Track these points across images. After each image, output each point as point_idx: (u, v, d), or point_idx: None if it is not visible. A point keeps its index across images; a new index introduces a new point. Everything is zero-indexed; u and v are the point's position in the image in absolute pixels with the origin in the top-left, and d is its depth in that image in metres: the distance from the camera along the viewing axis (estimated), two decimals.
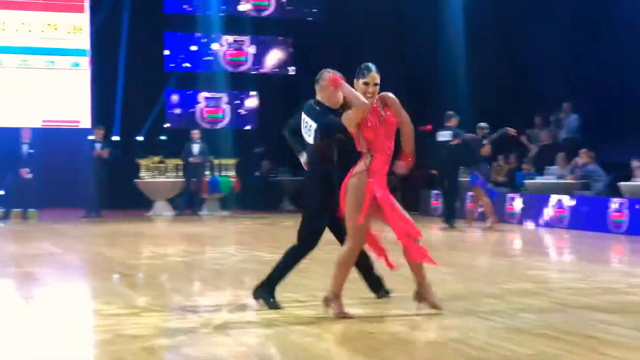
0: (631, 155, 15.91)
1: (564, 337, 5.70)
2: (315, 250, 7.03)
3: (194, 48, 24.19)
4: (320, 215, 7.02)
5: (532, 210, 16.97)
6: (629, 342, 5.56)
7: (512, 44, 21.63)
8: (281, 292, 7.77)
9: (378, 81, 6.54)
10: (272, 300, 6.96)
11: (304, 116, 7.08)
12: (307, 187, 7.27)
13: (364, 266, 7.32)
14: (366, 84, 6.48)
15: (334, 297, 6.55)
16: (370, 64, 6.59)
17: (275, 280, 7.10)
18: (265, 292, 7.02)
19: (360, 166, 6.46)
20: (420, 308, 6.59)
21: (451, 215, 16.39)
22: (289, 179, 22.88)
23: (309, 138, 7.01)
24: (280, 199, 22.88)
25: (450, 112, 16.23)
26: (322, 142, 6.79)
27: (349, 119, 6.45)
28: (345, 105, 6.59)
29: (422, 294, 6.62)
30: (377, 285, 7.37)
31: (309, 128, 6.99)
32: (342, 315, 6.44)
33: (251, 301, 7.18)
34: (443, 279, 8.49)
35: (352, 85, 6.53)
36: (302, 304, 7.17)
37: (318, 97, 6.99)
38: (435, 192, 18.28)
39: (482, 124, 15.98)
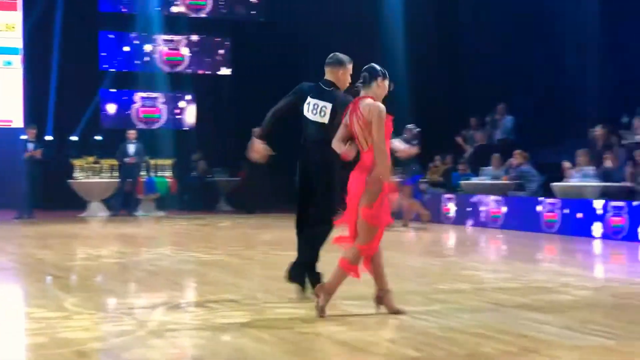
0: (563, 156, 16.19)
1: (497, 336, 5.77)
2: (256, 251, 6.99)
3: (129, 48, 23.96)
4: (338, 194, 7.10)
5: (467, 211, 17.15)
6: (561, 340, 5.65)
7: (450, 45, 21.86)
8: (216, 292, 7.75)
9: None
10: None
11: (310, 100, 7.33)
12: (323, 166, 7.20)
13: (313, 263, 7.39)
14: (389, 83, 6.69)
15: (384, 294, 6.62)
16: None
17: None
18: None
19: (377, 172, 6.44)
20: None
21: None
22: (226, 179, 22.83)
23: (322, 118, 7.25)
24: (216, 199, 22.81)
25: None
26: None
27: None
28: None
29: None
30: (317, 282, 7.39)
31: (320, 109, 7.25)
32: (396, 311, 6.53)
33: (185, 303, 7.14)
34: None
35: (372, 81, 6.59)
36: (238, 304, 7.14)
37: (329, 77, 7.35)
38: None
39: (410, 126, 16.06)
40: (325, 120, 7.24)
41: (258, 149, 7.65)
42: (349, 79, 7.39)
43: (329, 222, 7.26)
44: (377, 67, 6.67)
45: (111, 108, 23.95)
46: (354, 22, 21.76)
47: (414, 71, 20.49)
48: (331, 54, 7.51)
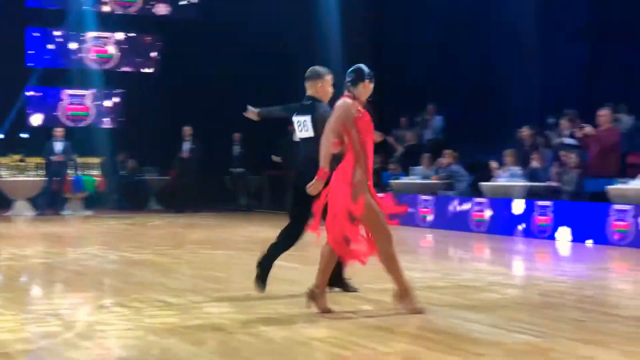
0: (492, 156, 16.42)
1: (424, 334, 5.82)
2: (184, 251, 6.94)
3: (56, 45, 23.58)
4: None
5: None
6: (487, 338, 5.72)
7: (380, 44, 21.96)
8: (144, 292, 7.68)
9: None
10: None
11: (296, 118, 7.44)
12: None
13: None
14: (372, 82, 6.75)
15: (405, 294, 6.66)
16: None
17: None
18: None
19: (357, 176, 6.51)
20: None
21: None
22: (156, 178, 22.65)
23: (307, 133, 7.35)
24: (146, 198, 22.60)
25: None
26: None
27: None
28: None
29: (315, 296, 6.65)
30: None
31: (303, 124, 7.37)
32: (418, 311, 6.58)
33: (112, 303, 7.06)
34: (308, 279, 8.56)
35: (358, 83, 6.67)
36: (166, 304, 7.09)
37: (309, 92, 7.47)
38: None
39: None
40: (311, 133, 7.33)
41: (253, 114, 7.97)
42: (330, 90, 7.50)
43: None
44: (365, 69, 6.73)
45: (38, 106, 23.55)
46: (289, 22, 21.74)
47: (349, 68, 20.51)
48: (309, 69, 7.61)
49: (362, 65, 6.78)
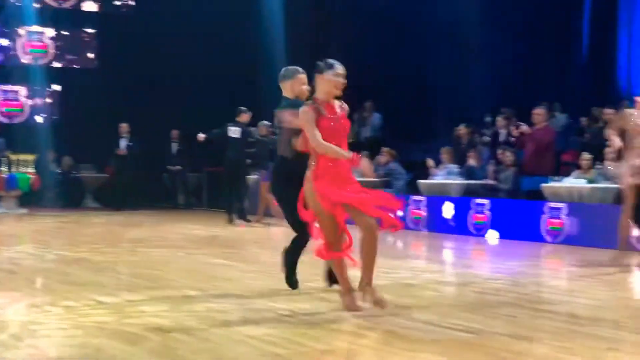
0: (430, 154, 16.57)
1: (361, 332, 5.85)
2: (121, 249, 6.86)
3: None
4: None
5: None
6: (421, 335, 5.76)
7: (319, 40, 21.94)
8: (79, 291, 7.59)
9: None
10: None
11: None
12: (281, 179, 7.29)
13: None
14: (338, 75, 6.47)
15: (345, 292, 6.64)
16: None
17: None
18: None
19: (308, 171, 6.46)
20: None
21: (243, 213, 16.67)
22: (92, 175, 22.42)
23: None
24: (82, 196, 22.36)
25: (242, 108, 16.24)
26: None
27: (315, 141, 6.39)
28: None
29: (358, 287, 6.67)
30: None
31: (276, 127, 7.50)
32: (355, 309, 6.49)
33: (46, 303, 6.97)
34: (243, 276, 8.55)
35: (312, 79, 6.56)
36: (101, 304, 7.01)
37: (283, 94, 7.44)
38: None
39: (266, 122, 16.21)
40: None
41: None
42: (304, 88, 7.37)
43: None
44: (321, 62, 6.55)
45: None
46: (226, 15, 21.56)
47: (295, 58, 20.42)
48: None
49: (328, 60, 6.57)
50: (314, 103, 6.50)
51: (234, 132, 16.07)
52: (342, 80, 6.51)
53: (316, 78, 6.54)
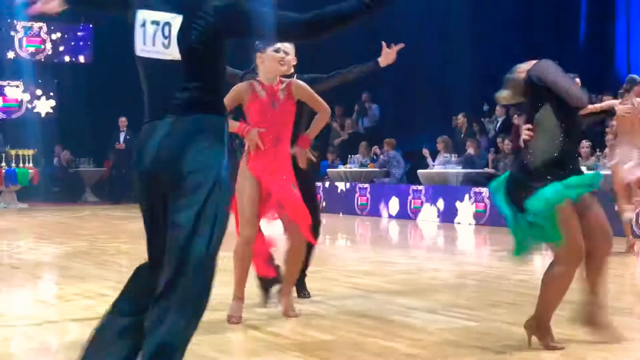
0: (428, 144, 16.58)
1: (363, 321, 5.86)
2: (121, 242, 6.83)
3: None
4: None
5: (335, 199, 17.34)
6: (425, 324, 5.78)
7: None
8: (80, 285, 7.59)
9: (291, 51, 5.99)
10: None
11: None
12: None
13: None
14: (277, 50, 5.86)
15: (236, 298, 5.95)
16: None
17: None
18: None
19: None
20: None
21: None
22: (91, 169, 22.41)
23: None
24: (82, 190, 22.36)
25: None
26: None
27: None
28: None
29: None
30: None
31: None
32: (235, 319, 5.84)
33: (47, 296, 6.98)
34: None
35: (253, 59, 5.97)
36: (104, 296, 7.02)
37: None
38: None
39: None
40: None
41: None
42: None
43: None
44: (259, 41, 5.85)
45: None
46: None
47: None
48: None
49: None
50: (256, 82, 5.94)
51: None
52: (284, 56, 5.89)
53: (257, 59, 5.98)
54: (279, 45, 5.88)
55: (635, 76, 10.41)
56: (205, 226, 3.43)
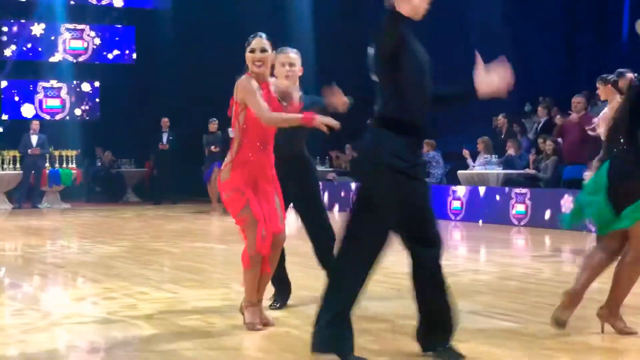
0: (469, 145, 16.48)
1: (403, 322, 5.83)
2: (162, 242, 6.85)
3: (30, 37, 23.39)
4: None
5: None
6: (467, 325, 5.69)
7: (354, 34, 21.72)
8: (123, 283, 7.63)
9: (266, 52, 5.66)
10: None
11: None
12: None
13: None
14: (252, 50, 5.66)
15: (247, 305, 5.73)
16: (261, 33, 5.75)
17: None
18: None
19: (227, 157, 5.69)
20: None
21: None
22: (133, 170, 22.56)
23: None
24: (123, 190, 22.52)
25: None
26: None
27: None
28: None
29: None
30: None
31: None
32: (253, 326, 5.61)
33: (90, 295, 7.04)
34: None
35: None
36: (145, 295, 7.06)
37: None
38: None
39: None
40: None
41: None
42: (279, 70, 6.24)
43: None
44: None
45: (12, 98, 23.40)
46: (259, 12, 21.48)
47: (322, 61, 20.42)
48: None
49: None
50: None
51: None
52: (256, 55, 5.65)
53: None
54: (253, 44, 5.69)
55: None
56: None
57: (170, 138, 20.55)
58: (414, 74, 4.59)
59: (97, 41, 24.05)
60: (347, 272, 4.65)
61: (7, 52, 23.14)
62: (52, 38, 23.51)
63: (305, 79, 6.71)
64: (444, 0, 19.84)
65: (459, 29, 19.63)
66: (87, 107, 24.10)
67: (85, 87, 24.07)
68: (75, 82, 23.82)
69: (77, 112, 23.95)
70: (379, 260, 4.68)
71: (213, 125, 18.49)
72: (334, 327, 4.55)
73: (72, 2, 23.52)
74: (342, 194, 17.93)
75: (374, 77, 4.67)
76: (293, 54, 6.34)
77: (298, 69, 6.33)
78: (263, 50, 5.68)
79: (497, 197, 14.56)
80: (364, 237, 4.61)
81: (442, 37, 19.76)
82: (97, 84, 24.09)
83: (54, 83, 23.62)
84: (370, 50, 4.63)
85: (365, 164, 4.66)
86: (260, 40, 5.70)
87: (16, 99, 23.42)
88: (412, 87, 4.57)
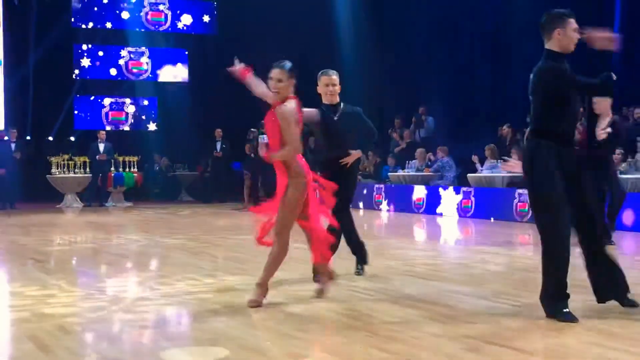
0: (478, 151, 16.41)
1: (422, 306, 5.83)
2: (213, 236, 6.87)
3: (98, 58, 23.61)
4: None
5: (394, 198, 17.27)
6: (477, 309, 5.72)
7: (377, 49, 21.45)
8: (179, 272, 7.67)
9: (280, 76, 5.80)
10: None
11: None
12: None
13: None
14: (270, 78, 5.83)
15: (259, 285, 5.94)
16: (283, 62, 5.93)
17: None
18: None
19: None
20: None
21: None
22: (186, 173, 22.75)
23: None
24: (178, 191, 22.65)
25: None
26: None
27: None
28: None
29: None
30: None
31: None
32: (254, 303, 5.82)
33: (152, 281, 7.09)
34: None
35: None
36: (199, 282, 7.09)
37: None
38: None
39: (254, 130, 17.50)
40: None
41: None
42: (324, 90, 6.98)
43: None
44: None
45: (83, 112, 23.67)
46: (309, 31, 21.21)
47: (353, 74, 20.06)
48: None
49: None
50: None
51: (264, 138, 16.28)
52: (271, 84, 5.85)
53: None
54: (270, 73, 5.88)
55: None
56: None
57: (224, 146, 20.62)
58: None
59: (155, 62, 24.20)
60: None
61: (80, 72, 23.40)
62: (118, 59, 23.75)
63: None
64: (458, 14, 19.57)
65: (469, 49, 19.54)
66: (146, 119, 24.26)
67: (145, 101, 24.27)
68: (136, 97, 24.08)
69: (139, 123, 24.14)
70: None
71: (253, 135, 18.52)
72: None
73: (133, 29, 23.74)
74: (365, 191, 17.94)
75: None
76: (334, 76, 7.04)
77: (338, 88, 7.00)
78: (278, 81, 5.87)
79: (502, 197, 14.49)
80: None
81: (457, 52, 19.69)
82: (155, 99, 24.28)
83: (118, 98, 23.89)
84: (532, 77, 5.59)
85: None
86: (279, 72, 5.90)
87: (86, 112, 23.68)
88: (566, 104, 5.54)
